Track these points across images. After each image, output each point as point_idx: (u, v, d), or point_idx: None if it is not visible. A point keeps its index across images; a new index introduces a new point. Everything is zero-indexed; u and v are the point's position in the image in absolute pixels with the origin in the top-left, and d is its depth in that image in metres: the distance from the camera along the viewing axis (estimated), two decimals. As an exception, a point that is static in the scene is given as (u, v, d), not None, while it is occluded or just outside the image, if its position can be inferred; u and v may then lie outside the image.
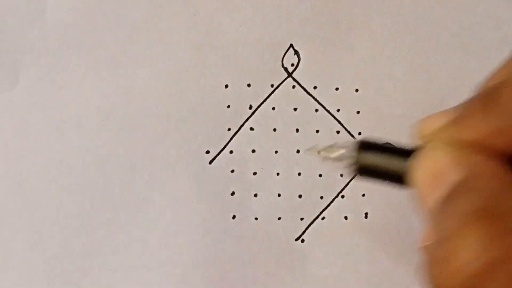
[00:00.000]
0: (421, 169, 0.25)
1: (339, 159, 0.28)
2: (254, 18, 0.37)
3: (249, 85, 0.37)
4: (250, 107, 0.37)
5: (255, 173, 0.36)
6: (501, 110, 0.23)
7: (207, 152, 0.36)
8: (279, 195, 0.36)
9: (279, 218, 0.36)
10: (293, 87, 0.37)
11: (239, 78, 0.37)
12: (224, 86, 0.37)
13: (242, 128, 0.37)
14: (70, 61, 0.37)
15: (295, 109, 0.37)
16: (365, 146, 0.28)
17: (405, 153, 0.26)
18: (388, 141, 0.29)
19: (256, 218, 0.36)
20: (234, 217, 0.36)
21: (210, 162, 0.36)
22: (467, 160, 0.23)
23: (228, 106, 0.37)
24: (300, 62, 0.37)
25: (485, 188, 0.22)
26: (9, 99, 0.36)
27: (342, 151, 0.28)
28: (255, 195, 0.36)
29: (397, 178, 0.27)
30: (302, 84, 0.37)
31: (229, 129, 0.37)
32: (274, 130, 0.37)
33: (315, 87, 0.37)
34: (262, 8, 0.37)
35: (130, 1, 0.37)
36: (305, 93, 0.37)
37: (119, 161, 0.36)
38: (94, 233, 0.36)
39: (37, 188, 0.36)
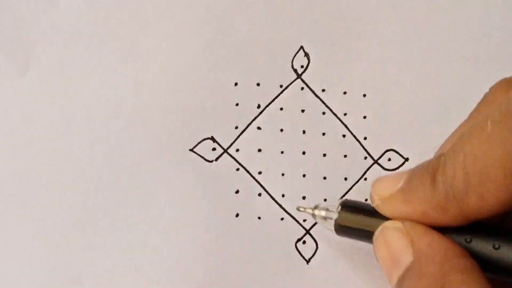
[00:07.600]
0: (380, 251, 0.28)
1: (323, 219, 0.32)
2: (267, 18, 0.37)
3: (258, 84, 0.37)
4: (258, 106, 0.37)
5: (260, 173, 0.36)
6: (444, 184, 0.26)
7: (213, 149, 0.36)
8: (283, 195, 0.36)
9: (282, 219, 0.36)
10: (302, 88, 0.37)
11: (249, 76, 0.37)
12: (233, 84, 0.37)
13: (250, 127, 0.37)
14: (81, 52, 0.37)
15: (302, 111, 0.37)
16: (345, 207, 0.31)
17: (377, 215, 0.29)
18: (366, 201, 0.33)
19: (259, 217, 0.36)
20: (237, 215, 0.36)
21: (216, 160, 0.36)
22: (416, 242, 0.27)
23: (237, 104, 0.37)
24: (310, 64, 0.37)
25: (428, 275, 0.26)
26: (19, 87, 0.36)
27: (324, 213, 0.32)
28: (259, 195, 0.36)
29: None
30: (311, 86, 0.37)
31: (236, 127, 0.37)
32: (281, 130, 0.37)
33: (323, 90, 0.37)
34: (274, 9, 0.37)
35: (144, -5, 0.37)
36: (313, 95, 0.37)
37: (125, 155, 0.36)
38: (96, 227, 0.36)
39: (42, 177, 0.36)
